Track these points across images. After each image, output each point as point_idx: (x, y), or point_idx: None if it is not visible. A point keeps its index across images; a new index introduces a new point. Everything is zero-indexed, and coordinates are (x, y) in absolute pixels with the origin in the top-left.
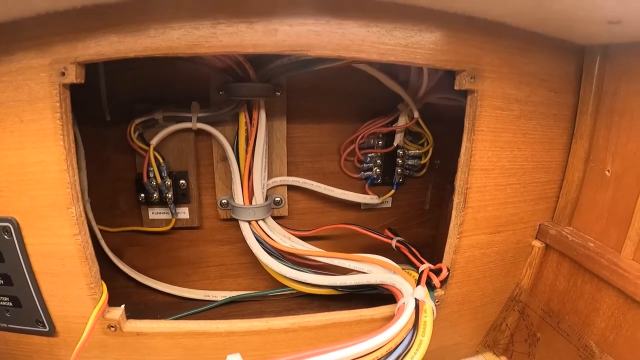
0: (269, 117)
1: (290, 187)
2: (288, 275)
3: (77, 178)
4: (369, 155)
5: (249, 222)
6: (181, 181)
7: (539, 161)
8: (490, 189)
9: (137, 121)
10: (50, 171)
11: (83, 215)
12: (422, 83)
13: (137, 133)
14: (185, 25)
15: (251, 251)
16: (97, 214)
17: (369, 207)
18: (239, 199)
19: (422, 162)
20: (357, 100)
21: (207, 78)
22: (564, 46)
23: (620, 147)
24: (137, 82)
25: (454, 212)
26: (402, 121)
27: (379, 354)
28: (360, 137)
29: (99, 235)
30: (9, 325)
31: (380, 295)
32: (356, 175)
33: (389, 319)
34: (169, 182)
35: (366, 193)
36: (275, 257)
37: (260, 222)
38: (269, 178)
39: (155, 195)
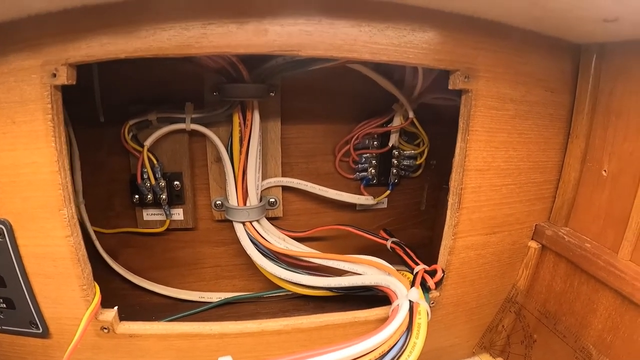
0: (263, 117)
1: (285, 188)
2: (282, 277)
3: (69, 179)
4: (364, 155)
5: (243, 223)
6: (175, 182)
7: (535, 161)
8: (485, 190)
9: (131, 122)
10: (42, 172)
11: (75, 216)
12: (417, 83)
13: (131, 134)
14: (175, 25)
15: (246, 252)
16: (92, 215)
17: (365, 208)
18: (233, 200)
19: (418, 162)
20: (351, 101)
21: (201, 79)
22: (559, 45)
23: (617, 146)
24: (132, 83)
25: (448, 213)
26: (397, 121)
27: (372, 356)
28: (355, 137)
29: (94, 237)
30: (3, 327)
31: (375, 297)
32: (351, 176)
33: (384, 320)
34: (163, 183)
35: (361, 194)
36: (270, 258)
37: (255, 223)
38: (263, 179)
39: (149, 196)
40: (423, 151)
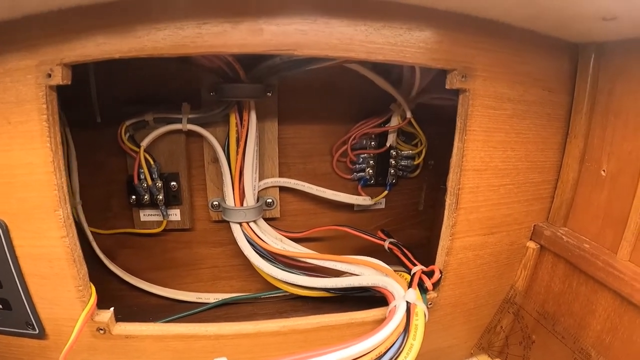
0: (260, 118)
1: (282, 189)
2: (279, 277)
3: (65, 180)
4: (362, 156)
5: (240, 224)
6: (172, 183)
7: (533, 161)
8: (483, 190)
9: (128, 123)
10: (37, 173)
11: (71, 217)
12: (414, 83)
13: (127, 135)
14: (170, 25)
15: (243, 253)
16: (90, 216)
17: (362, 209)
18: (230, 200)
19: (416, 162)
20: (349, 101)
21: (198, 79)
22: (558, 44)
23: (616, 146)
24: (128, 84)
25: (446, 214)
26: (395, 121)
27: (369, 357)
28: (352, 137)
29: (91, 238)
30: None
31: (373, 298)
32: (349, 176)
33: (381, 322)
34: (159, 183)
35: (359, 194)
36: (267, 259)
37: (252, 224)
38: (260, 179)
39: (146, 197)
40: (421, 151)
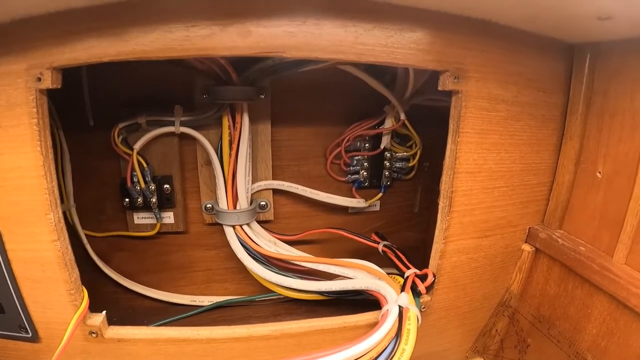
0: (253, 120)
1: (276, 191)
2: (273, 281)
3: (55, 184)
4: (356, 158)
5: (234, 226)
6: (165, 186)
7: (527, 163)
8: (476, 193)
9: (121, 125)
10: (28, 177)
11: (62, 221)
12: (408, 84)
13: (121, 137)
14: (158, 28)
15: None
16: (83, 218)
17: (357, 211)
18: (223, 203)
19: (411, 164)
20: (342, 103)
21: (190, 81)
22: (552, 45)
23: (612, 148)
24: (121, 86)
25: (439, 217)
26: (389, 123)
27: None
28: (346, 139)
29: (85, 240)
30: None
31: (368, 300)
32: (343, 179)
33: (373, 325)
34: (152, 186)
35: (353, 196)
36: (260, 262)
37: (245, 227)
38: (254, 182)
39: (139, 199)
40: (415, 153)
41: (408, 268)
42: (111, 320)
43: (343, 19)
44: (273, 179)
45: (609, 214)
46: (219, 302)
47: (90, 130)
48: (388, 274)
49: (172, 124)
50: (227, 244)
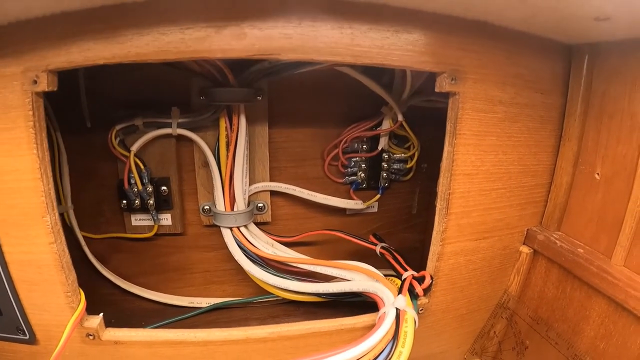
0: (250, 121)
1: (274, 193)
2: (271, 282)
3: (52, 187)
4: (353, 159)
5: (231, 228)
6: (163, 187)
7: (525, 165)
8: (474, 195)
9: (118, 127)
10: (24, 180)
11: (59, 223)
12: (406, 85)
13: (118, 139)
14: (153, 31)
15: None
16: (81, 220)
17: (355, 212)
18: (220, 205)
19: (408, 166)
20: (340, 104)
21: (187, 83)
22: (550, 45)
23: (610, 149)
24: (119, 88)
25: (436, 219)
26: (386, 124)
27: None
28: (343, 141)
29: (83, 242)
30: None
31: (366, 303)
32: (341, 180)
33: (371, 328)
34: (150, 188)
35: (351, 198)
36: (258, 264)
37: (242, 229)
38: (251, 184)
39: (137, 201)
40: (413, 154)
41: (405, 270)
42: (109, 322)
43: (339, 20)
44: (270, 180)
45: (607, 215)
46: (217, 303)
47: (88, 132)
48: (386, 275)
49: (169, 125)
50: (225, 246)
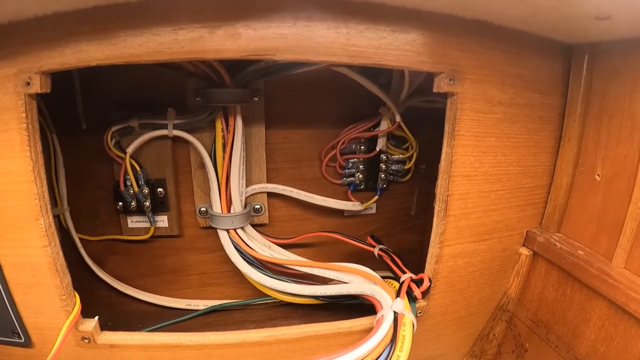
0: (247, 123)
1: (271, 194)
2: (268, 285)
3: (46, 189)
4: (351, 160)
5: (228, 230)
6: (159, 189)
7: (525, 166)
8: (473, 196)
9: (114, 129)
10: (18, 182)
11: (53, 226)
12: (404, 86)
13: (114, 141)
14: (146, 31)
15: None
16: (77, 222)
17: (353, 214)
18: (216, 207)
19: (407, 167)
20: (337, 104)
21: (183, 84)
22: (550, 45)
23: (611, 150)
24: (114, 89)
25: (435, 221)
26: (384, 125)
27: None
28: (341, 142)
29: (79, 244)
30: None
31: (363, 305)
32: (338, 182)
33: (368, 331)
34: (146, 190)
35: (349, 199)
36: (255, 266)
37: (239, 231)
38: (248, 185)
39: (133, 203)
40: (412, 155)
41: (404, 272)
42: (105, 324)
43: (334, 20)
44: (267, 182)
45: (607, 217)
46: (214, 306)
47: (83, 133)
48: (384, 277)
49: (165, 127)
50: (222, 248)
